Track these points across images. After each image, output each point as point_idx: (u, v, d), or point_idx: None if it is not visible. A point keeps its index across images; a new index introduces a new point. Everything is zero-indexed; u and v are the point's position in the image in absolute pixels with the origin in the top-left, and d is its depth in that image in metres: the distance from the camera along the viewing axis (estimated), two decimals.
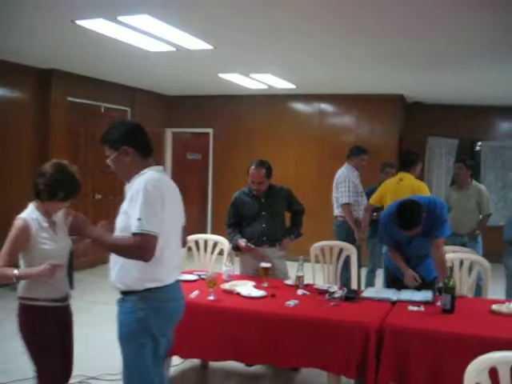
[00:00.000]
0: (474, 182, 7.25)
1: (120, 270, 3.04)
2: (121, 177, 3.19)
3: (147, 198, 2.88)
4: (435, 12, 4.85)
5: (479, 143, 11.14)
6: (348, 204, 6.93)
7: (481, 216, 7.04)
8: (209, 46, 6.23)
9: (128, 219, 2.93)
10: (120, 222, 3.03)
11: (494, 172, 10.87)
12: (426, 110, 10.98)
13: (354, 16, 5.06)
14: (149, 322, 2.99)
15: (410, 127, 10.91)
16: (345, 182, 7.00)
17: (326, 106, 10.78)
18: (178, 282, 3.23)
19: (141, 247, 2.86)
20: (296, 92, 10.12)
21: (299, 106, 10.89)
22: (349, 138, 10.23)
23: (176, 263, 3.21)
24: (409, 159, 6.59)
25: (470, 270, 5.11)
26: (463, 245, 6.43)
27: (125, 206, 3.01)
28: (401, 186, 6.27)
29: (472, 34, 5.62)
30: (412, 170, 6.49)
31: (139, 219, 2.84)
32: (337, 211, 7.17)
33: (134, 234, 2.85)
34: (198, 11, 4.94)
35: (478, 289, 5.45)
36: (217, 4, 4.69)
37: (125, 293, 3.05)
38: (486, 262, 5.02)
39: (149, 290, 3.00)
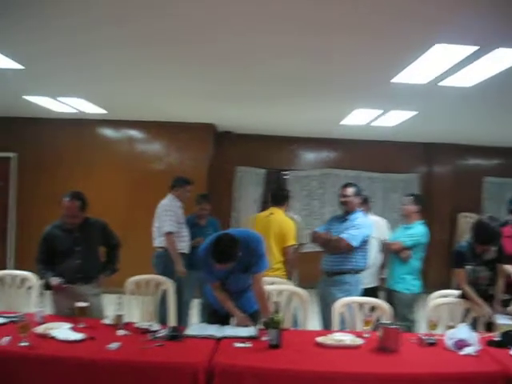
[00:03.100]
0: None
1: None
2: None
3: None
4: (239, 55, 5.34)
5: (286, 173, 11.57)
6: (171, 233, 6.78)
7: None
8: (18, 66, 5.79)
9: None
10: None
11: (300, 201, 11.36)
12: (236, 140, 11.19)
13: (162, 47, 5.17)
14: None
15: (220, 156, 11.02)
16: (168, 212, 6.86)
17: (135, 133, 10.53)
18: None
19: None
20: (106, 117, 9.76)
21: (109, 132, 10.52)
22: (159, 166, 10.19)
23: None
24: (281, 195, 6.81)
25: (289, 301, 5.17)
26: None
27: None
28: (270, 221, 6.43)
29: (275, 77, 6.16)
30: (284, 206, 6.66)
31: None
32: (156, 242, 6.99)
33: None
34: (10, 28, 4.57)
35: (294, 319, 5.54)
36: (27, 22, 4.41)
37: None
38: (304, 293, 5.11)
39: None
